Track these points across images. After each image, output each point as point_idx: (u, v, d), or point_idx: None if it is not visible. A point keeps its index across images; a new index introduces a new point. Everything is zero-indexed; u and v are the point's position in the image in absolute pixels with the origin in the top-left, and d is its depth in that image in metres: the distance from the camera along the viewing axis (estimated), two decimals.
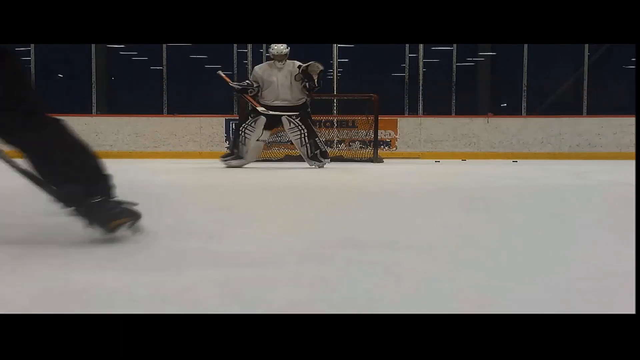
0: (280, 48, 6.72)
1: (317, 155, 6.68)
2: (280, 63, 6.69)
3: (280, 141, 9.73)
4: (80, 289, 1.20)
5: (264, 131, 6.69)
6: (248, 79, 6.98)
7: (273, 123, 6.75)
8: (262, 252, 1.62)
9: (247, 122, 6.69)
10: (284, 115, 6.66)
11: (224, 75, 7.18)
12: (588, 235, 2.01)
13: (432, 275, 1.34)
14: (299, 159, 7.44)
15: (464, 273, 1.37)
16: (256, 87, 6.74)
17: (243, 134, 6.67)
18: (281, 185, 4.36)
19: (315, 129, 6.97)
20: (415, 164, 8.45)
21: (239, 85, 6.94)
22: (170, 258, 1.55)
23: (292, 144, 7.28)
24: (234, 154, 6.70)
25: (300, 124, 6.69)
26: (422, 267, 1.44)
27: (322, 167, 6.67)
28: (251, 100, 6.79)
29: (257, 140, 6.67)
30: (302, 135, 6.67)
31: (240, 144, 6.65)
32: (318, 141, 6.77)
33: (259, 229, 2.09)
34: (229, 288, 1.22)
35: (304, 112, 6.80)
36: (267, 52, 7.03)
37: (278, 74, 6.70)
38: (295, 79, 6.68)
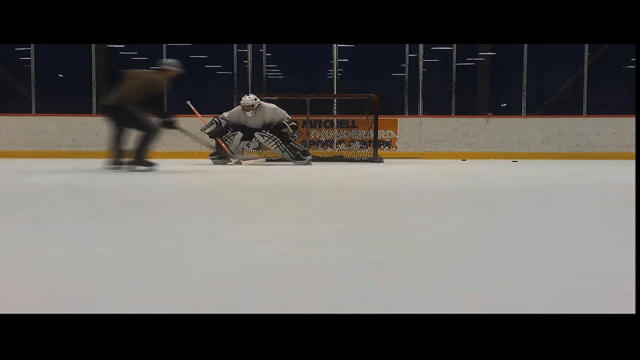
0: (249, 99, 7.71)
1: (299, 155, 7.60)
2: (249, 113, 7.66)
3: None
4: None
5: (241, 142, 7.78)
6: (216, 119, 7.83)
7: (248, 138, 7.84)
8: (260, 252, 1.62)
9: (227, 135, 7.70)
10: (255, 133, 7.72)
11: (193, 108, 8.16)
12: (588, 235, 2.01)
13: (432, 275, 1.34)
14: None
15: (463, 273, 1.37)
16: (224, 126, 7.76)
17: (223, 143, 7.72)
18: (280, 185, 4.35)
19: (287, 135, 7.77)
20: (415, 164, 8.45)
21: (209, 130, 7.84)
22: (170, 257, 1.55)
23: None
24: (220, 154, 7.74)
25: (272, 134, 7.63)
26: (421, 267, 1.44)
27: (309, 164, 7.50)
28: (223, 145, 7.70)
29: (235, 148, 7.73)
30: (278, 143, 7.60)
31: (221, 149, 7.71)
32: (294, 144, 7.75)
33: (258, 229, 2.09)
34: (227, 288, 1.22)
35: (274, 127, 7.73)
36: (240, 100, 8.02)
37: (248, 120, 7.72)
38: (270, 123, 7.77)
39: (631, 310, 1.02)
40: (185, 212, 2.65)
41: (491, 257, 1.57)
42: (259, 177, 5.28)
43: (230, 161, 7.57)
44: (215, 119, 7.81)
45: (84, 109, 11.11)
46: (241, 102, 7.79)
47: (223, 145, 7.73)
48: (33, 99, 11.17)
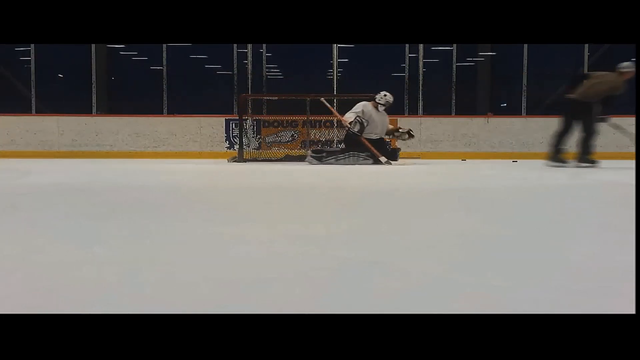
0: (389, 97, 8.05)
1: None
2: (381, 109, 8.04)
3: (280, 141, 9.73)
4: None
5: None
6: (358, 117, 7.94)
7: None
8: (261, 252, 1.62)
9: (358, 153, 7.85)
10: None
11: (327, 104, 8.46)
12: (588, 235, 2.01)
13: (432, 275, 1.34)
14: (298, 158, 8.06)
15: (463, 273, 1.37)
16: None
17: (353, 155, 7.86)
18: (280, 185, 4.35)
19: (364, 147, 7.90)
20: (415, 164, 8.45)
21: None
22: (170, 257, 1.55)
23: (290, 143, 8.47)
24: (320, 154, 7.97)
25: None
26: (421, 267, 1.44)
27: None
28: (369, 145, 7.79)
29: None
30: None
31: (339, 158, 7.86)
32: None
33: (258, 229, 2.09)
34: (227, 288, 1.22)
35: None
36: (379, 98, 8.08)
37: (379, 118, 8.02)
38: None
39: (631, 310, 1.02)
40: (185, 212, 2.65)
41: (491, 257, 1.57)
42: (259, 177, 5.28)
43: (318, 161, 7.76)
44: (357, 117, 7.86)
45: (84, 109, 11.13)
46: (382, 100, 7.94)
47: (369, 144, 7.78)
48: (33, 99, 11.18)
